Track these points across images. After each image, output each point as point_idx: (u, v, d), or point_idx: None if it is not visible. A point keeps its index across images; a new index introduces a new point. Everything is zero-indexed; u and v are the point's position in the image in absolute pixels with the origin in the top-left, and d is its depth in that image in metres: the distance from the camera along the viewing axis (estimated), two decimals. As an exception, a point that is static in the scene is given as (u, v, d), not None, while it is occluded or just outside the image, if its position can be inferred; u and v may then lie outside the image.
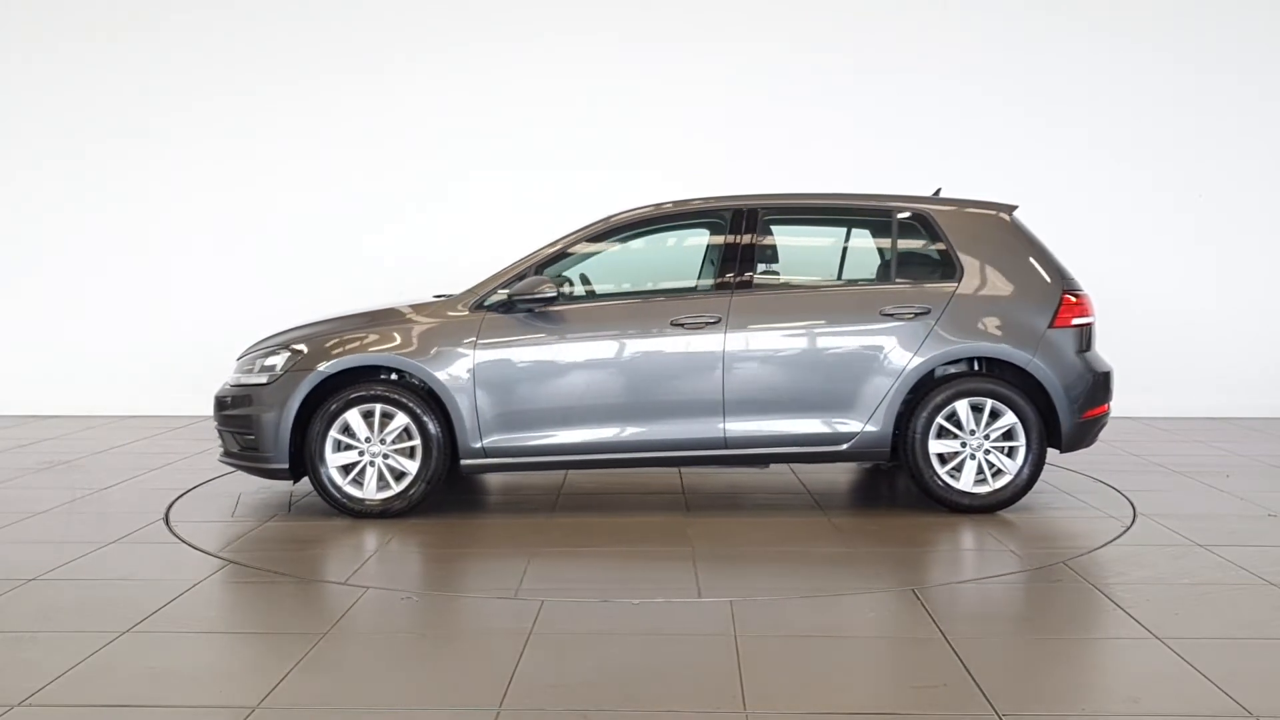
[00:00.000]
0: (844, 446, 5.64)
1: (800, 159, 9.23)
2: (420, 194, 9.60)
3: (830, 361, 5.65)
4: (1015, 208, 6.00)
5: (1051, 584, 4.56)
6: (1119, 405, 6.19)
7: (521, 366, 5.62)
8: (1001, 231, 5.88)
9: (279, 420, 5.65)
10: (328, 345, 5.74)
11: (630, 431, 5.65)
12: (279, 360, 5.78)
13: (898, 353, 5.59)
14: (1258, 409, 9.15)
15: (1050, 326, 5.66)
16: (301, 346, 5.79)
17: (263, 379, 5.77)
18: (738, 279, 5.75)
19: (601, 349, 5.66)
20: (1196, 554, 4.94)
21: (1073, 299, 5.73)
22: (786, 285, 5.92)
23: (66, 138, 9.72)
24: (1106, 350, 6.04)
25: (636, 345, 5.66)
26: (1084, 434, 5.78)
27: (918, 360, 5.58)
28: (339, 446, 5.66)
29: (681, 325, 5.63)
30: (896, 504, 6.11)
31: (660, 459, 5.72)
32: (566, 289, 6.03)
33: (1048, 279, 5.76)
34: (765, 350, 5.64)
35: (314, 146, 9.60)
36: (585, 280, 6.19)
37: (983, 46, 9.39)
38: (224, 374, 5.86)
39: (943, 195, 6.11)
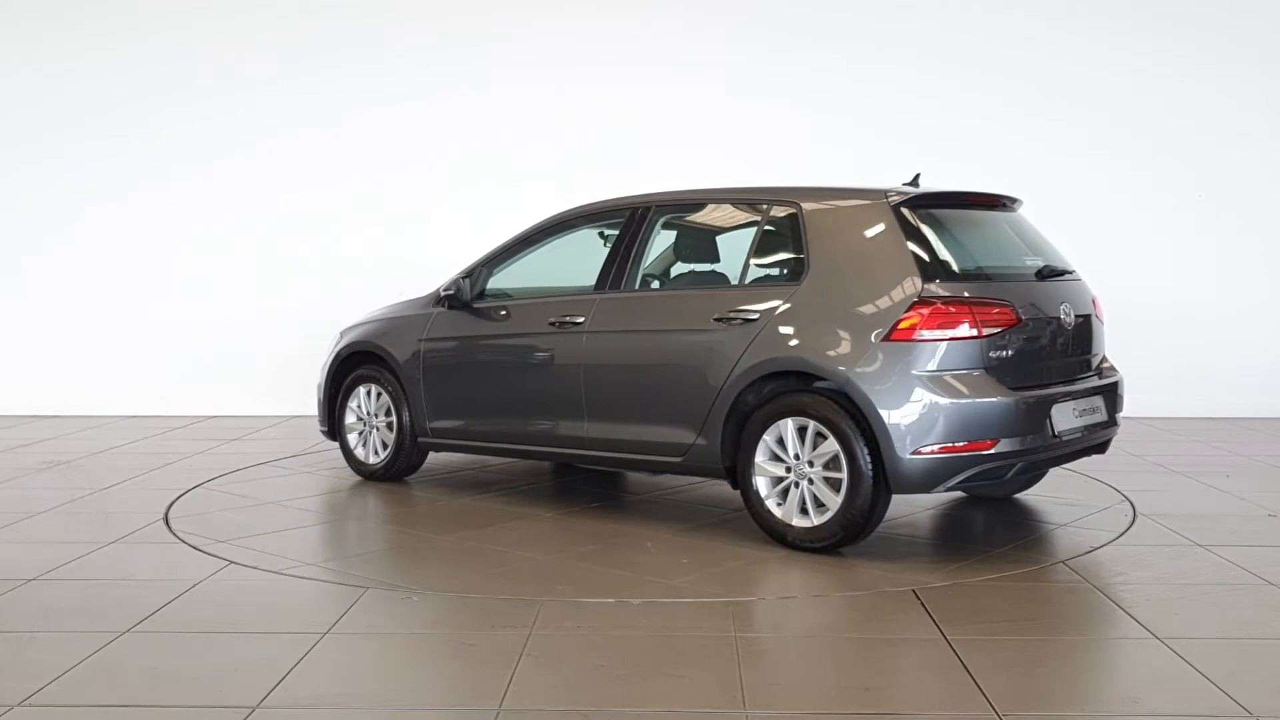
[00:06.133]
0: (680, 459, 5.31)
1: (800, 159, 9.22)
2: (420, 196, 9.59)
3: (665, 369, 5.33)
4: (920, 194, 5.06)
5: (1051, 584, 4.56)
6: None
7: (447, 359, 6.19)
8: (873, 225, 4.95)
9: (323, 390, 6.78)
10: (353, 331, 6.72)
11: (519, 426, 5.90)
12: (334, 341, 6.84)
13: (722, 363, 5.08)
14: (1258, 409, 9.14)
15: (885, 339, 4.69)
16: (344, 329, 6.84)
17: (326, 359, 6.83)
18: (608, 280, 5.63)
19: (499, 345, 6.00)
20: (1196, 554, 4.93)
21: (928, 308, 4.64)
22: (643, 288, 5.69)
23: (67, 136, 9.72)
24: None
25: (523, 343, 5.89)
26: (928, 474, 4.64)
27: (736, 372, 5.03)
28: (356, 417, 6.63)
29: (556, 326, 5.68)
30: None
31: (541, 454, 5.96)
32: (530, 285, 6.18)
33: (901, 281, 4.74)
34: (614, 354, 5.50)
35: (315, 146, 9.60)
36: (521, 280, 6.25)
37: (983, 47, 9.39)
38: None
39: (907, 185, 5.46)
